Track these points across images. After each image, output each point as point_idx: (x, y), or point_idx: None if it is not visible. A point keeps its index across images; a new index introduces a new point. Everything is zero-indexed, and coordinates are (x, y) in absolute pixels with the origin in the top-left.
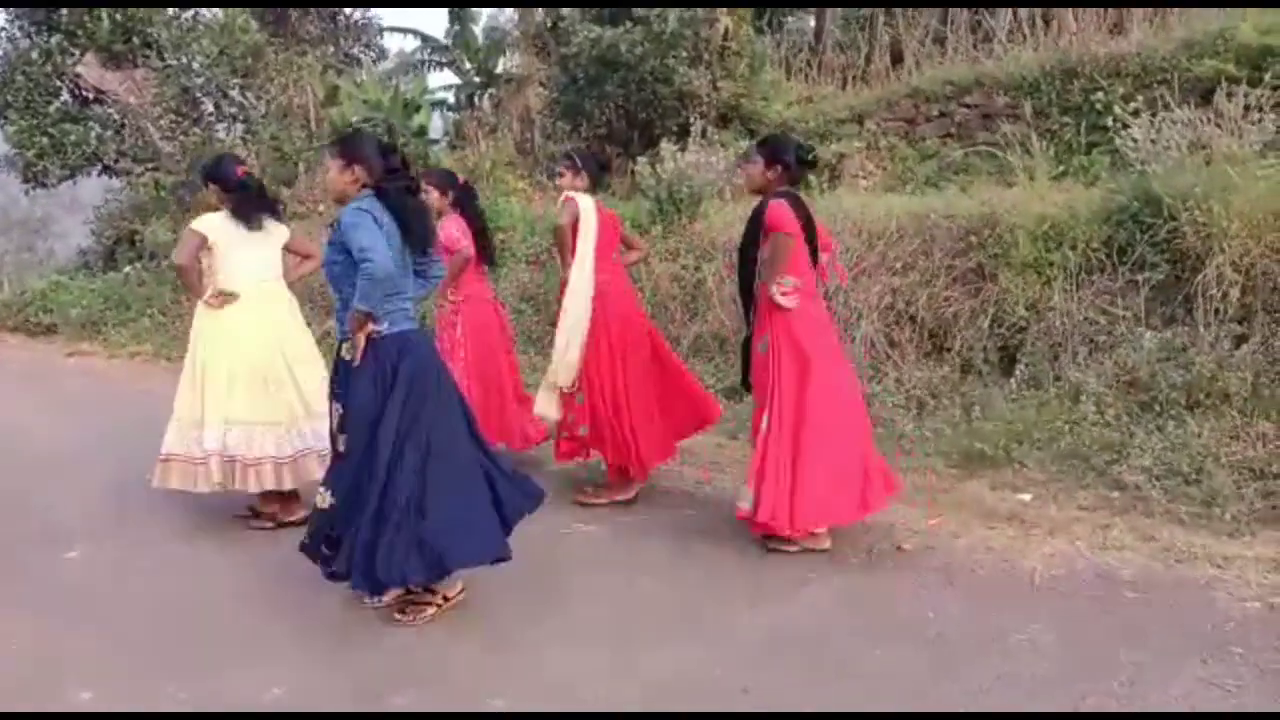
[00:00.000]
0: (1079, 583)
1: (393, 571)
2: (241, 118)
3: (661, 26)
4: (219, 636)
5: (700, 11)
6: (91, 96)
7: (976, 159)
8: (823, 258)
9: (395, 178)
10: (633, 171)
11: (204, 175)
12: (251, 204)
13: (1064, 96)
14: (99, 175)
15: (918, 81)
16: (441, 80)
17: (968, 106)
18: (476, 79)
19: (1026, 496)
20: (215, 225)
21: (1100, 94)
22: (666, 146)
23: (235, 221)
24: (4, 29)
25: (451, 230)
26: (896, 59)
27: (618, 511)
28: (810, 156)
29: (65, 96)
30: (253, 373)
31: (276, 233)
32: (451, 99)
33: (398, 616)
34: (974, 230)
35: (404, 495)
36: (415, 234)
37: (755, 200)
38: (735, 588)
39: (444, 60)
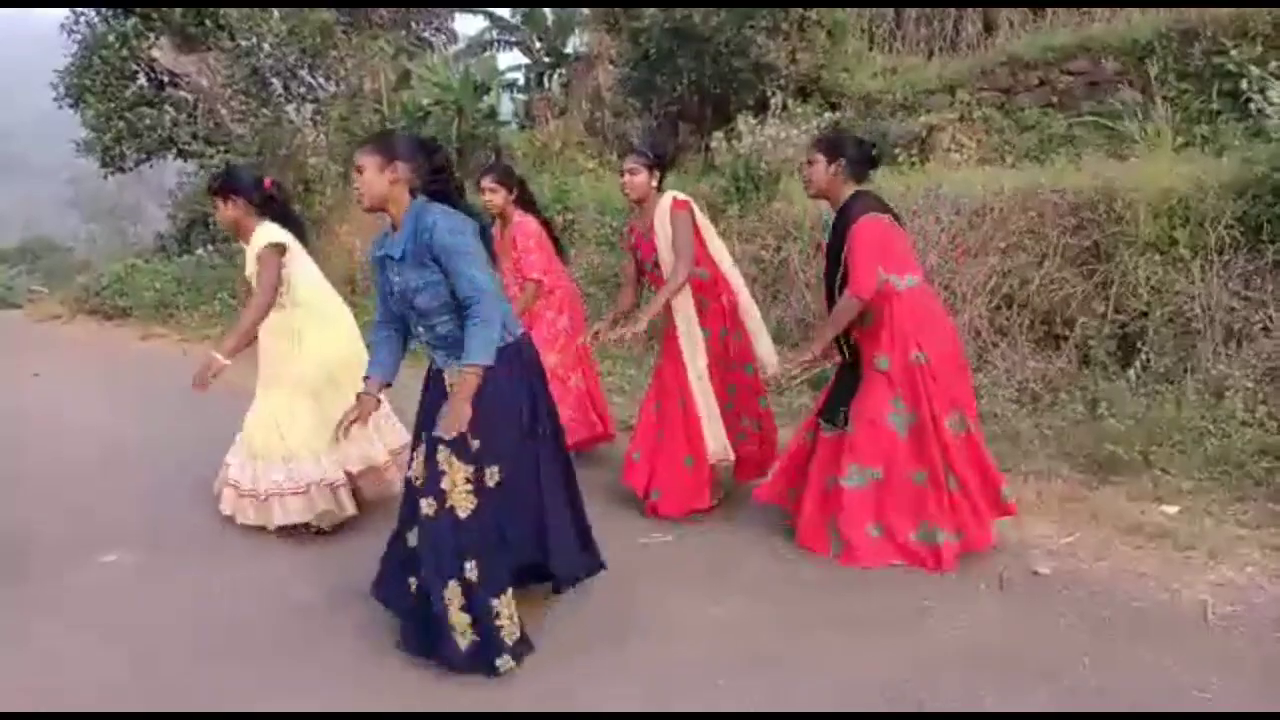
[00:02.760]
0: (1262, 622)
1: None
2: (311, 98)
3: None
4: (260, 659)
5: None
6: (166, 80)
7: (1082, 130)
8: None
9: (442, 180)
10: (706, 148)
11: (222, 189)
12: (290, 215)
13: (1182, 60)
14: (174, 159)
15: (1015, 48)
16: (510, 60)
17: (1071, 74)
18: (546, 59)
19: (1172, 509)
20: (282, 233)
21: (1224, 57)
22: (743, 120)
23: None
24: (83, 13)
25: (530, 255)
26: (988, 27)
27: (696, 520)
28: (875, 153)
29: (141, 80)
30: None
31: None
32: (521, 79)
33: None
34: (1087, 206)
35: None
36: (490, 239)
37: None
38: (838, 616)
39: (513, 40)
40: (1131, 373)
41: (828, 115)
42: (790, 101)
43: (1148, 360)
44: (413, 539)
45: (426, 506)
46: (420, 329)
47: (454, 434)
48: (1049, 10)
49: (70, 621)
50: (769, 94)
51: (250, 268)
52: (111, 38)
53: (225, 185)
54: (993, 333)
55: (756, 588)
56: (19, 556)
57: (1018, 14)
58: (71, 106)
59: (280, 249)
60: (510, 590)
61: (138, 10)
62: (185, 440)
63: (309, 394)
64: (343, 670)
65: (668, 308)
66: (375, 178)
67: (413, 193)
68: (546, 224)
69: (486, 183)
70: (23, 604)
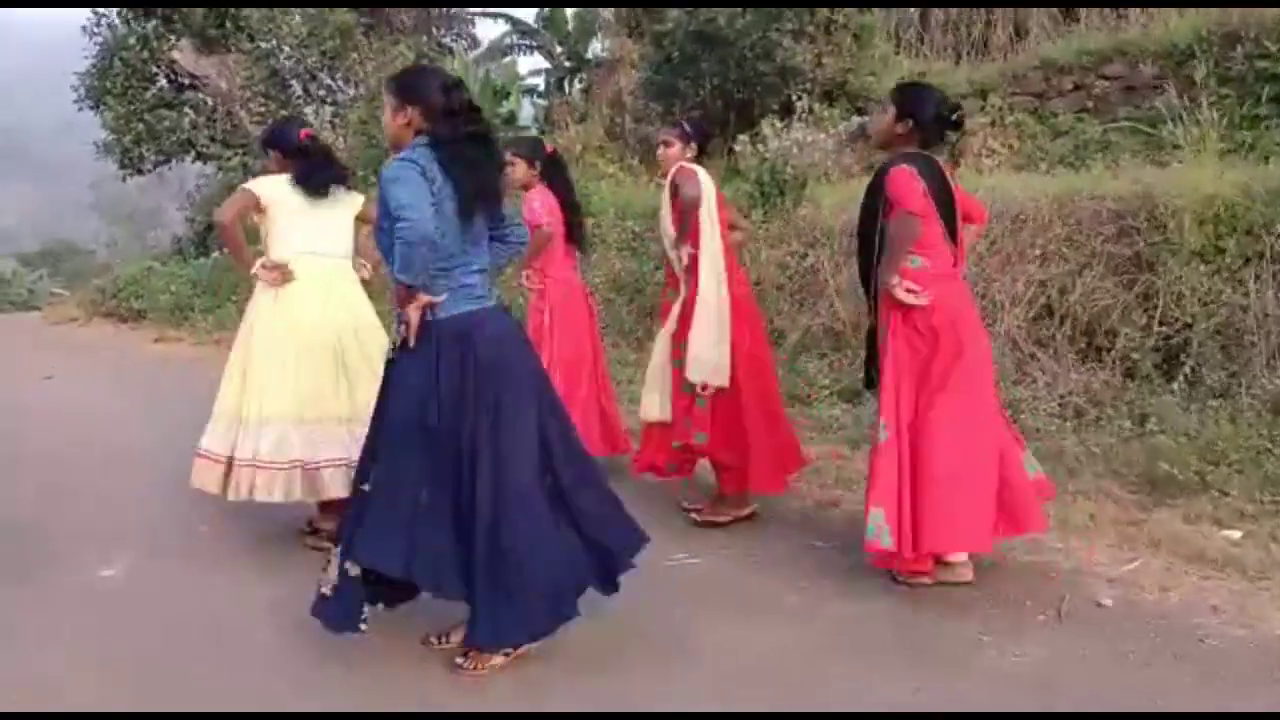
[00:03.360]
0: None
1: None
2: (330, 100)
3: None
4: (260, 688)
5: None
6: (187, 82)
7: (1119, 136)
8: (970, 230)
9: (453, 121)
10: (730, 152)
11: (264, 141)
12: (316, 170)
13: (1224, 64)
14: (193, 161)
15: (1048, 52)
16: (531, 65)
17: (1107, 78)
18: (567, 63)
19: (1235, 534)
20: (271, 186)
21: (1269, 60)
22: (769, 124)
23: (298, 189)
24: (104, 15)
25: (534, 204)
26: (1019, 31)
27: (728, 539)
28: (956, 115)
29: (161, 82)
30: (316, 361)
31: (347, 202)
32: (541, 84)
33: (459, 662)
34: (1128, 213)
35: (484, 524)
36: (466, 192)
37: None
38: (880, 648)
39: (534, 44)
40: (1176, 386)
41: (855, 119)
42: (816, 105)
43: (1195, 373)
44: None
45: None
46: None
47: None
48: (1082, 14)
49: (59, 626)
50: (794, 98)
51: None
52: (132, 40)
53: (268, 138)
54: (1031, 344)
55: (794, 613)
56: (8, 558)
57: (1049, 18)
58: (91, 109)
59: (248, 195)
60: None
61: (159, 12)
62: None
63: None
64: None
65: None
66: (390, 120)
67: (434, 134)
68: (571, 209)
69: (507, 155)
70: (12, 606)
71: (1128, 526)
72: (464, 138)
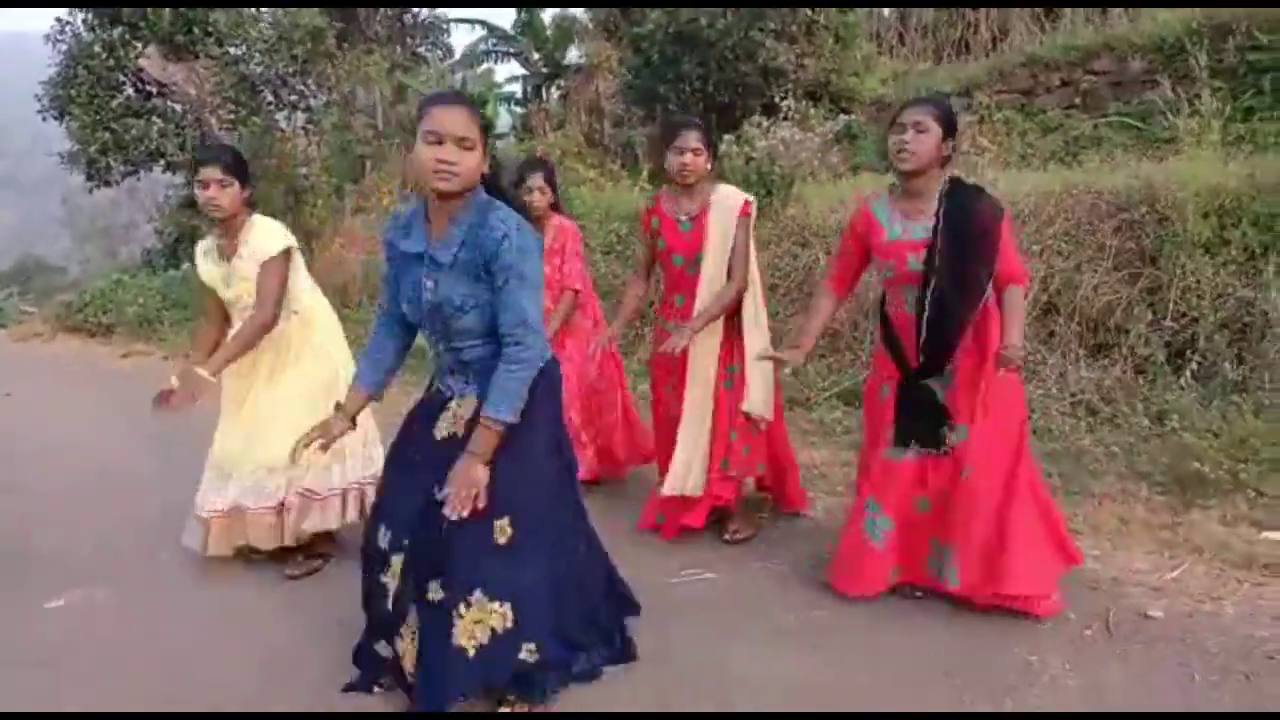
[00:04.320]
0: None
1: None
2: (302, 106)
3: None
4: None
5: None
6: (154, 90)
7: (1109, 131)
8: None
9: (493, 170)
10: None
11: (232, 165)
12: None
13: (1215, 58)
14: (163, 171)
15: (1035, 49)
16: (507, 72)
17: (1095, 74)
18: (544, 70)
19: (1278, 535)
20: (285, 231)
21: (1260, 52)
22: (754, 124)
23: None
24: (68, 23)
25: (577, 249)
26: (1004, 32)
27: (732, 550)
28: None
29: (129, 91)
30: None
31: None
32: (518, 91)
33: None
34: (1127, 207)
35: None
36: None
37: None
38: (914, 670)
39: (510, 51)
40: (1185, 380)
41: (841, 118)
42: (801, 104)
43: (1210, 367)
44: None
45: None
46: (441, 348)
47: (465, 508)
48: (1066, 12)
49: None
50: (776, 99)
51: (244, 275)
52: (97, 47)
53: (238, 163)
54: (1036, 342)
55: (823, 633)
56: None
57: (1031, 17)
58: (56, 118)
59: (288, 255)
60: None
61: (125, 19)
62: (150, 461)
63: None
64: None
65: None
66: (478, 160)
67: (489, 188)
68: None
69: (536, 181)
70: None
71: (1161, 530)
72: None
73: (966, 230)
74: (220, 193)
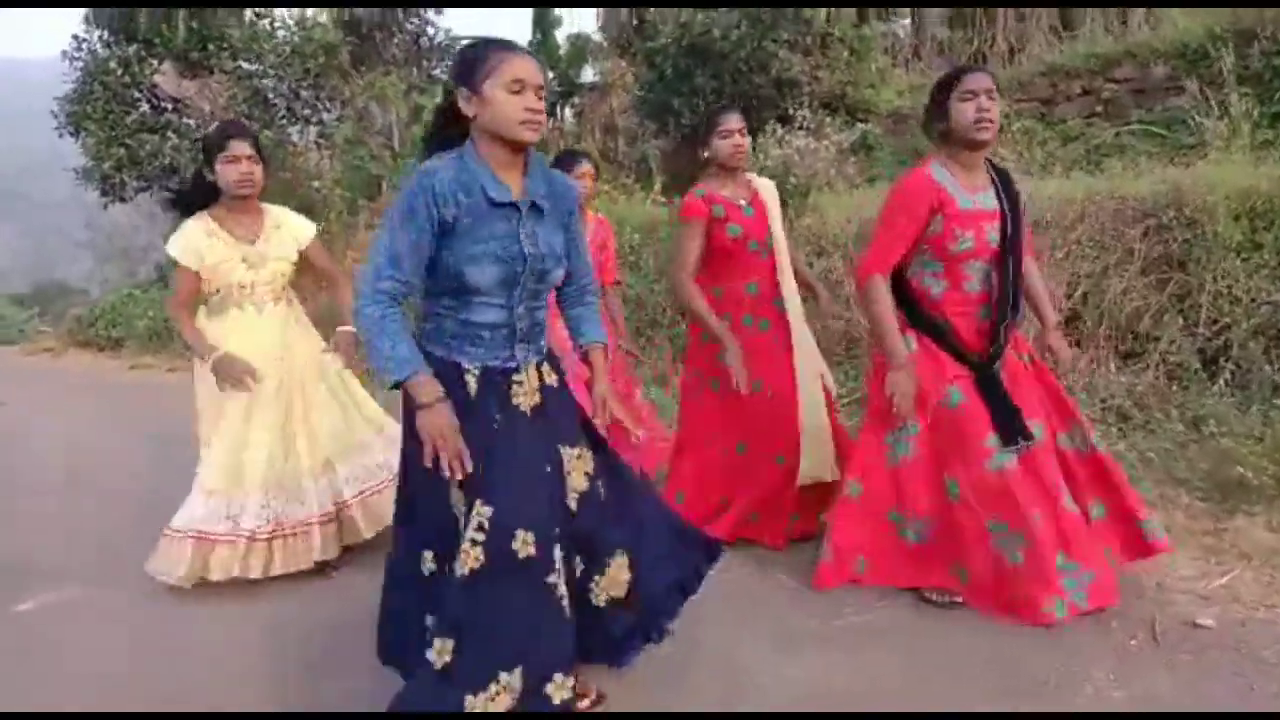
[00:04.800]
0: None
1: None
2: (315, 120)
3: (760, 9)
4: None
5: None
6: (169, 106)
7: (1132, 139)
8: None
9: None
10: None
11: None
12: None
13: (1240, 63)
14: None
15: (1054, 58)
16: None
17: (1116, 82)
18: (558, 88)
19: None
20: None
21: None
22: (769, 133)
23: None
24: (84, 39)
25: (613, 243)
26: (1021, 44)
27: (760, 558)
28: None
29: (144, 107)
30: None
31: None
32: None
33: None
34: (1154, 212)
35: None
36: None
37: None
38: (948, 678)
39: None
40: (1221, 385)
41: (858, 126)
42: (819, 111)
43: (1245, 374)
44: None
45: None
46: (522, 310)
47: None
48: (1087, 19)
49: None
50: (790, 111)
51: (279, 255)
52: (113, 64)
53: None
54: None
55: (845, 643)
56: None
57: (1048, 28)
58: (71, 135)
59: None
60: None
61: (140, 35)
62: (140, 470)
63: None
64: None
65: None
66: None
67: None
68: None
69: (586, 167)
70: None
71: (1205, 537)
72: None
73: (1016, 204)
74: (254, 168)
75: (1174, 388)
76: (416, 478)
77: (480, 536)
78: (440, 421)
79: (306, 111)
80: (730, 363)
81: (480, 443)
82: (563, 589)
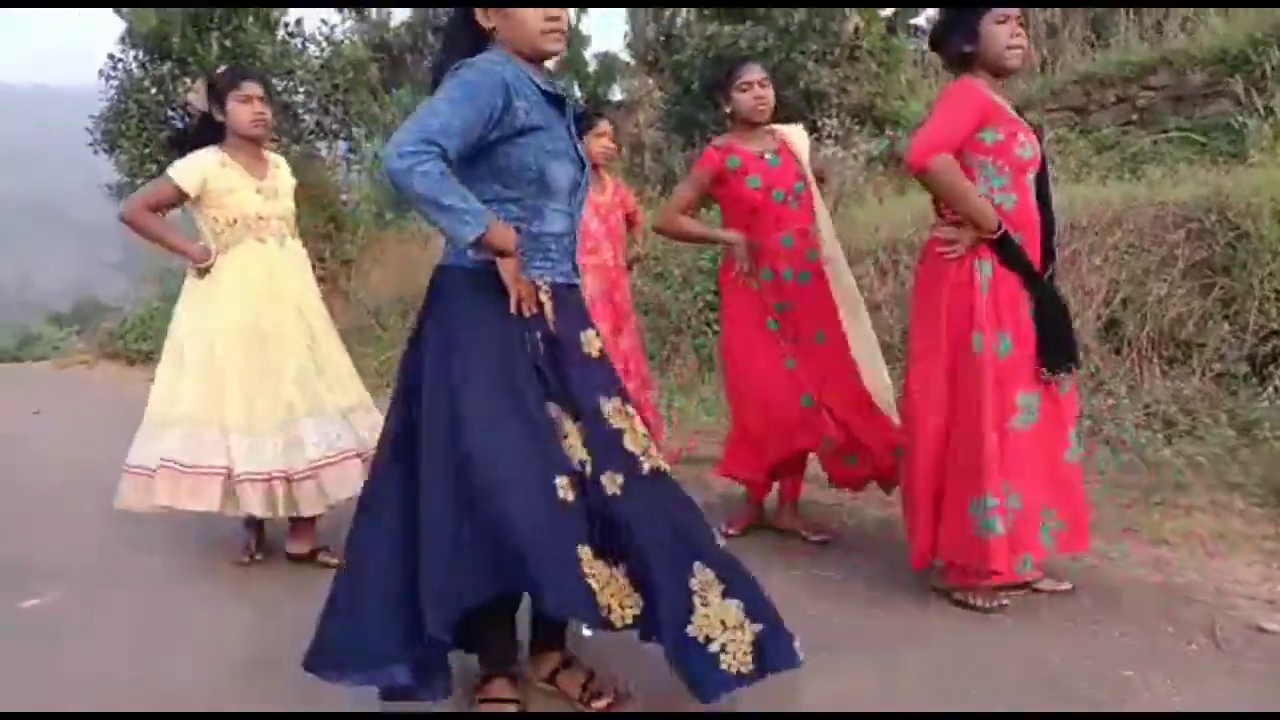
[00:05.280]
0: None
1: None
2: (343, 135)
3: (788, 20)
4: None
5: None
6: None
7: (1169, 147)
8: None
9: None
10: None
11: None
12: None
13: None
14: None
15: (1088, 66)
16: None
17: (1152, 89)
18: (585, 106)
19: None
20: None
21: None
22: None
23: None
24: (120, 59)
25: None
26: (1054, 56)
27: (782, 560)
28: None
29: (176, 124)
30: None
31: None
32: None
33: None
34: (1194, 217)
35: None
36: None
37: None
38: (991, 686)
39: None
40: (1271, 390)
41: (887, 136)
42: (847, 120)
43: None
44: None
45: (610, 484)
46: (569, 220)
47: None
48: (1119, 31)
49: None
50: (819, 123)
51: (286, 191)
52: (147, 82)
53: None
54: (1108, 351)
55: (881, 648)
56: None
57: (1081, 35)
58: (106, 153)
59: None
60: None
61: (175, 54)
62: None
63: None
64: None
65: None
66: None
67: None
68: None
69: (604, 126)
70: None
71: (1264, 541)
72: None
73: None
74: (265, 109)
75: (1222, 393)
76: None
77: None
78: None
79: (335, 126)
80: (738, 255)
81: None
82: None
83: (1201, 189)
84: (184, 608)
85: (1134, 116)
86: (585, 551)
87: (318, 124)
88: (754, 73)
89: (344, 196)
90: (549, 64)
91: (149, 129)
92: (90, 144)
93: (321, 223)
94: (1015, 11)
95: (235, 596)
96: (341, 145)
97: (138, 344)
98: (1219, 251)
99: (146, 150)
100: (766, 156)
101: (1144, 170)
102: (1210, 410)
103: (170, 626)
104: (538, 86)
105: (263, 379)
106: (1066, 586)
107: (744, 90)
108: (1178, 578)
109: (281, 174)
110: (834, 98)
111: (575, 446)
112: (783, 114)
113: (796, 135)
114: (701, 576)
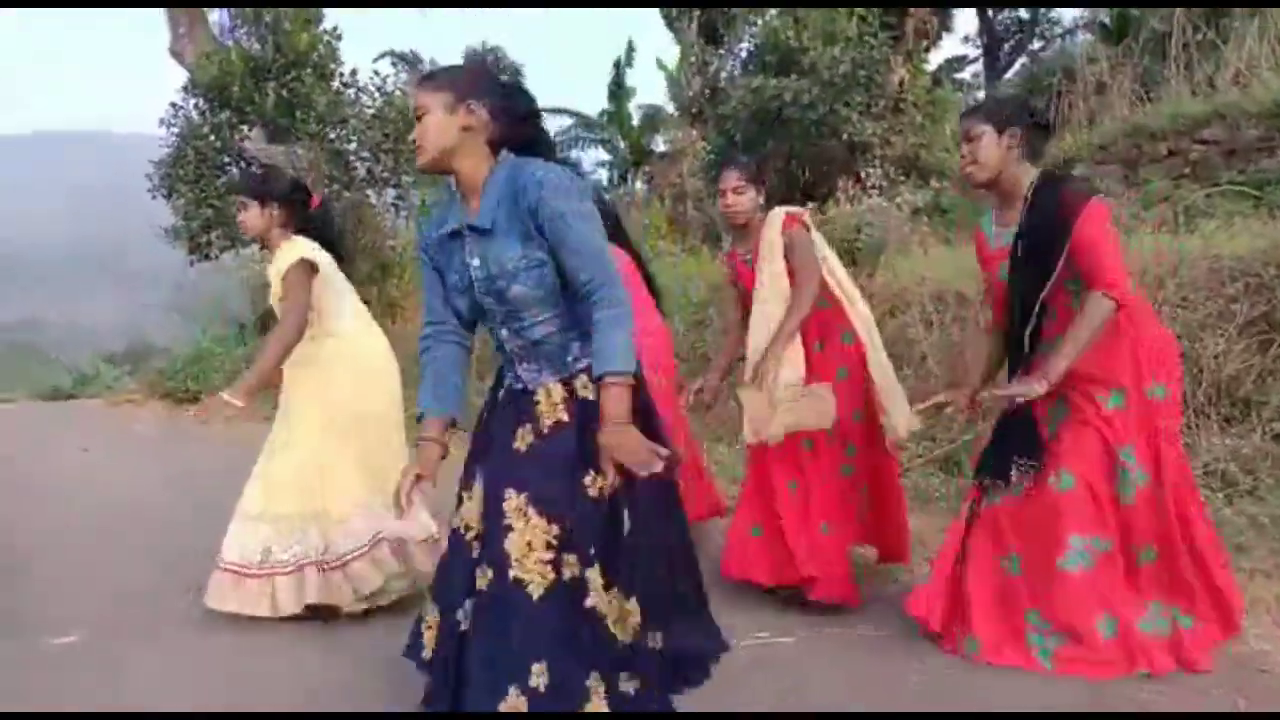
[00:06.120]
0: None
1: None
2: (394, 182)
3: (832, 73)
4: None
5: (875, 54)
6: (257, 170)
7: (1223, 201)
8: None
9: (533, 127)
10: None
11: (255, 189)
12: (327, 241)
13: None
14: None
15: (1138, 119)
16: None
17: (1204, 143)
18: (629, 157)
19: None
20: (313, 247)
21: None
22: (842, 190)
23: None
24: (181, 107)
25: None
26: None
27: (820, 616)
28: (1044, 120)
29: (232, 170)
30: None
31: None
32: (604, 178)
33: None
34: (1252, 271)
35: None
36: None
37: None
38: None
39: (597, 138)
40: None
41: (931, 187)
42: (891, 170)
43: None
44: (462, 619)
45: (480, 577)
46: (504, 333)
47: (653, 462)
48: (1170, 85)
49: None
50: (864, 174)
51: (276, 290)
52: (206, 129)
53: (259, 187)
54: None
55: (921, 702)
56: None
57: (1130, 89)
58: (164, 197)
59: (310, 267)
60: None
61: (234, 102)
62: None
63: (339, 437)
64: None
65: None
66: (442, 121)
67: (493, 145)
68: (643, 262)
69: (729, 181)
70: None
71: None
72: (550, 147)
73: (1044, 221)
74: (244, 214)
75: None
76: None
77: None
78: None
79: (385, 174)
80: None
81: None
82: None
83: (1258, 241)
84: (219, 653)
85: (1186, 170)
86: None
87: (369, 171)
88: (728, 180)
89: (391, 242)
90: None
91: (206, 174)
92: (149, 189)
93: (370, 268)
94: (962, 133)
95: (271, 650)
96: (390, 192)
97: (185, 383)
98: (1279, 306)
99: (203, 195)
100: (747, 259)
101: (1196, 223)
102: (1272, 470)
103: (200, 670)
104: (447, 223)
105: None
106: None
107: (720, 197)
108: (1245, 646)
109: (273, 268)
110: (878, 149)
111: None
112: (827, 166)
113: (770, 224)
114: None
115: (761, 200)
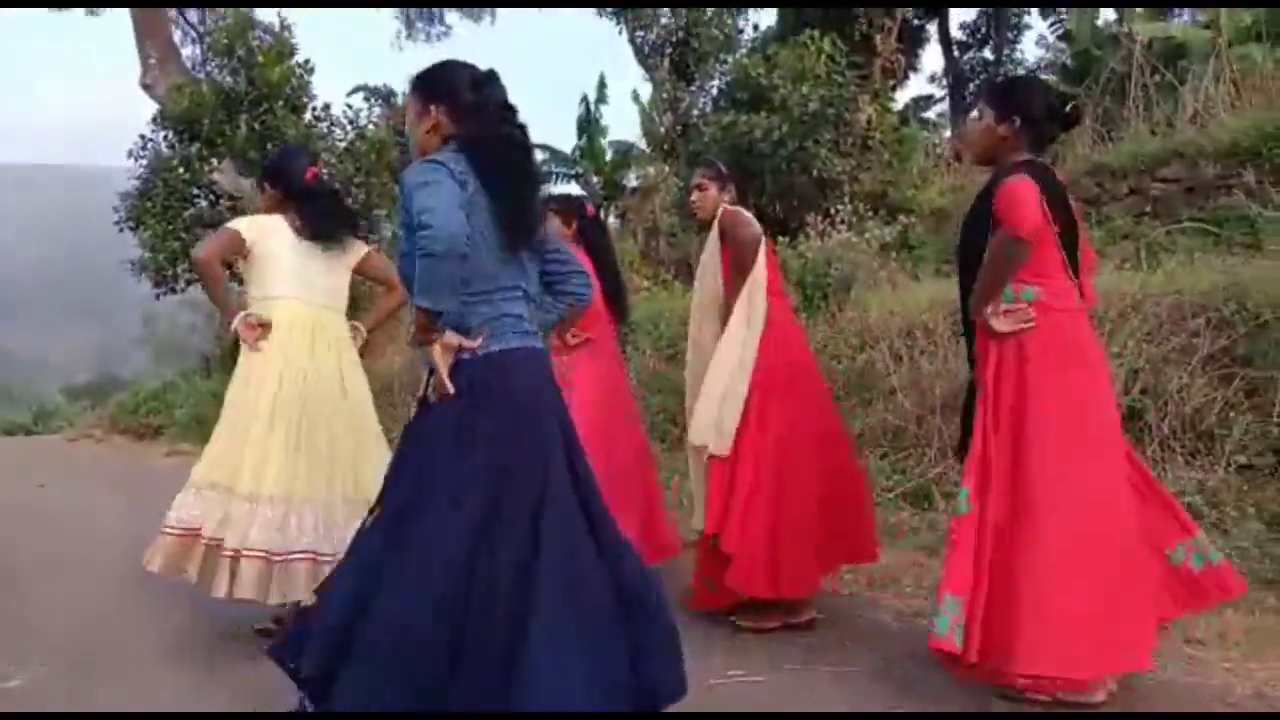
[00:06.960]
0: None
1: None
2: (365, 216)
3: (802, 110)
4: None
5: (844, 93)
6: (226, 204)
7: (1183, 238)
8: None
9: (486, 120)
10: None
11: (266, 174)
12: (321, 217)
13: None
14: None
15: (1101, 157)
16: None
17: (1165, 181)
18: (602, 192)
19: None
20: (261, 226)
21: None
22: (811, 226)
23: (299, 234)
24: (150, 139)
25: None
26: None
27: (788, 651)
28: (1069, 108)
29: (201, 203)
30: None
31: (348, 250)
32: None
33: None
34: (1213, 306)
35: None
36: (505, 199)
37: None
38: None
39: (570, 173)
40: None
41: (899, 223)
42: (860, 206)
43: None
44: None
45: None
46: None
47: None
48: (1131, 123)
49: None
50: (832, 210)
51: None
52: (175, 161)
53: (271, 170)
54: (1129, 440)
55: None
56: None
57: (1091, 128)
58: (131, 229)
59: (231, 234)
60: None
61: (203, 135)
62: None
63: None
64: None
65: None
66: (414, 125)
67: (466, 139)
68: (609, 274)
69: (695, 177)
70: None
71: None
72: (500, 139)
73: (976, 212)
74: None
75: (1247, 485)
76: None
77: None
78: None
79: (356, 208)
80: None
81: None
82: None
83: (1219, 278)
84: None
85: (1147, 208)
86: None
87: None
88: (694, 177)
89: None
90: None
91: (174, 207)
92: (116, 221)
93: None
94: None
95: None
96: (365, 224)
97: (148, 418)
98: (1239, 341)
99: (170, 228)
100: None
101: (1158, 259)
102: (1237, 503)
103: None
104: None
105: None
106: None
107: (689, 194)
108: (1212, 679)
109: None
110: (847, 185)
111: None
112: (797, 201)
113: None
114: None
115: (726, 200)
